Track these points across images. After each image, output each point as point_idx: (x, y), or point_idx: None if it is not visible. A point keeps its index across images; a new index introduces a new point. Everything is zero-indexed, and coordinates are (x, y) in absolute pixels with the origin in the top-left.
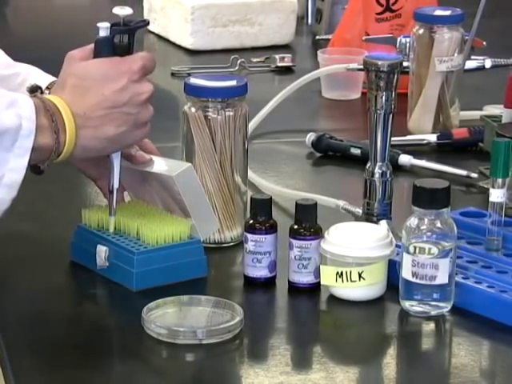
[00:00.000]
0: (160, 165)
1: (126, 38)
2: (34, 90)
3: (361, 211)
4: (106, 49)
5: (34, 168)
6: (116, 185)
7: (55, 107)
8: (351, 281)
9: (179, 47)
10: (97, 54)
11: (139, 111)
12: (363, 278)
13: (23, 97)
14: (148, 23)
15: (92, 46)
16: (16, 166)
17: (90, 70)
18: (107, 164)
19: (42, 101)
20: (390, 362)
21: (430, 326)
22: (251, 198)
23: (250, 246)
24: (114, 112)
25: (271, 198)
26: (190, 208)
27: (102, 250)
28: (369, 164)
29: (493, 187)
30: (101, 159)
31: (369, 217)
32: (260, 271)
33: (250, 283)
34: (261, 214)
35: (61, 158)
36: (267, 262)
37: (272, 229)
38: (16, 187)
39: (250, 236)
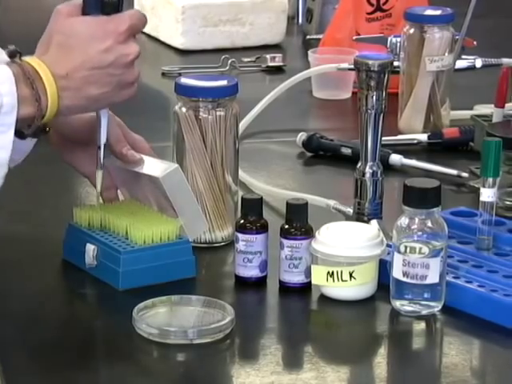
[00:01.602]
0: (149, 165)
1: None
2: (13, 55)
3: (352, 211)
4: (94, 6)
5: (17, 133)
6: (103, 141)
7: (35, 73)
8: (342, 280)
9: (170, 47)
10: (84, 10)
11: (124, 72)
12: (354, 278)
13: (1, 68)
14: None
15: (80, 0)
16: (1, 144)
17: (77, 29)
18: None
19: (21, 67)
20: (380, 362)
21: (420, 326)
22: (242, 198)
23: (240, 245)
24: (97, 73)
25: (262, 198)
26: (178, 208)
27: (90, 249)
28: (359, 164)
29: (483, 186)
30: (94, 157)
31: (360, 216)
32: (251, 271)
33: (241, 283)
34: (251, 214)
35: (45, 120)
36: (258, 261)
37: (263, 228)
38: (5, 164)
39: (240, 236)
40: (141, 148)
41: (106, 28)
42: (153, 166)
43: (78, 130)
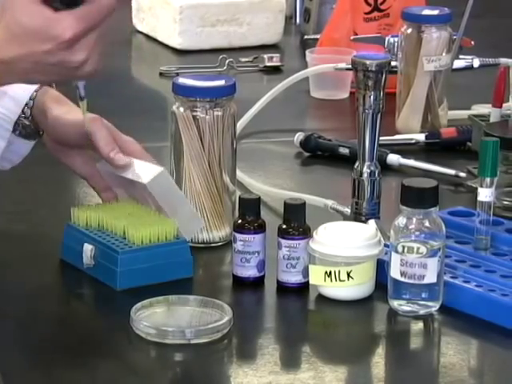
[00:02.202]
0: (136, 169)
1: None
2: None
3: (349, 211)
4: None
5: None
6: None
7: None
8: (340, 280)
9: (167, 47)
10: None
11: (70, 71)
12: (352, 278)
13: None
14: None
15: None
16: None
17: (25, 20)
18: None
19: None
20: (378, 362)
21: (418, 326)
22: (240, 198)
23: (238, 245)
24: (41, 66)
25: (260, 198)
26: (169, 211)
27: (88, 249)
28: (357, 163)
29: (481, 186)
30: (91, 159)
31: (357, 216)
32: (248, 271)
33: (239, 283)
34: (249, 214)
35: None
36: (256, 261)
37: (260, 228)
38: None
39: (238, 236)
40: (132, 150)
41: (50, 32)
42: (140, 171)
43: (70, 135)
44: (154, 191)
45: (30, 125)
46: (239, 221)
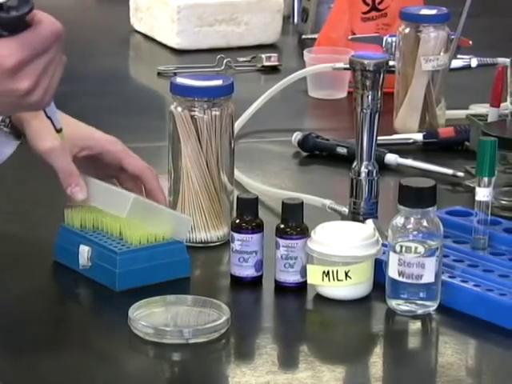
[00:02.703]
0: (108, 201)
1: (15, 11)
2: None
3: (347, 210)
4: None
5: None
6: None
7: None
8: (338, 280)
9: (165, 47)
10: None
11: (16, 101)
12: (350, 277)
13: None
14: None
15: None
16: None
17: None
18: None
19: None
20: (376, 361)
21: (416, 325)
22: (237, 198)
23: (236, 245)
24: None
25: (257, 198)
26: (154, 226)
27: (84, 250)
28: (355, 163)
29: (479, 186)
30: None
31: (355, 216)
32: (246, 270)
33: (237, 282)
34: (247, 214)
35: None
36: (254, 261)
37: (258, 228)
38: None
39: (236, 235)
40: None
41: None
42: (113, 203)
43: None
44: (134, 218)
45: (10, 131)
46: (237, 220)
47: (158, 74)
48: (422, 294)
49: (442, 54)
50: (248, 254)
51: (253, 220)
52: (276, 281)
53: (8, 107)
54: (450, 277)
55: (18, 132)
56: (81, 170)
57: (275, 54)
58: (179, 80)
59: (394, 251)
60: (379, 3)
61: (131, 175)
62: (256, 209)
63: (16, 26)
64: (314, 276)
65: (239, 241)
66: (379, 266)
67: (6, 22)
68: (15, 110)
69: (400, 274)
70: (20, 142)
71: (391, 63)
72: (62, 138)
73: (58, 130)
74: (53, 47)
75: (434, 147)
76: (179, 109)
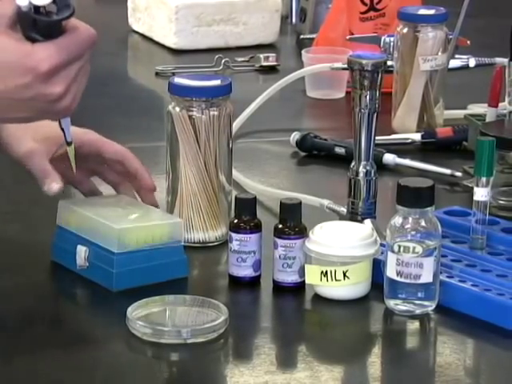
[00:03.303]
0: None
1: (56, 15)
2: None
3: (345, 210)
4: (25, 23)
5: None
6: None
7: None
8: (336, 280)
9: (163, 47)
10: (19, 23)
11: (48, 105)
12: (348, 277)
13: None
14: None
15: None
16: None
17: None
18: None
19: None
20: (374, 361)
21: (414, 325)
22: (236, 198)
23: (234, 245)
24: (15, 103)
25: (256, 198)
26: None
27: (81, 250)
28: (353, 163)
29: (477, 186)
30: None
31: (353, 216)
32: (245, 270)
33: (235, 282)
34: (245, 214)
35: None
36: (252, 261)
37: (257, 228)
38: None
39: (234, 235)
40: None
41: (26, 63)
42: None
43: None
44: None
45: None
46: (235, 220)
47: (156, 74)
48: (420, 294)
49: (440, 53)
50: (246, 253)
51: (251, 220)
52: (274, 281)
53: (36, 112)
54: (448, 277)
55: None
56: (61, 171)
57: (273, 54)
58: (177, 80)
59: (392, 251)
60: (377, 3)
61: (112, 163)
62: (254, 209)
63: (53, 30)
64: (312, 276)
65: (237, 241)
66: (377, 266)
67: (44, 26)
68: (42, 116)
69: (398, 273)
70: None
71: (389, 63)
72: (72, 151)
73: (69, 143)
74: (86, 54)
75: (432, 147)
76: (177, 109)
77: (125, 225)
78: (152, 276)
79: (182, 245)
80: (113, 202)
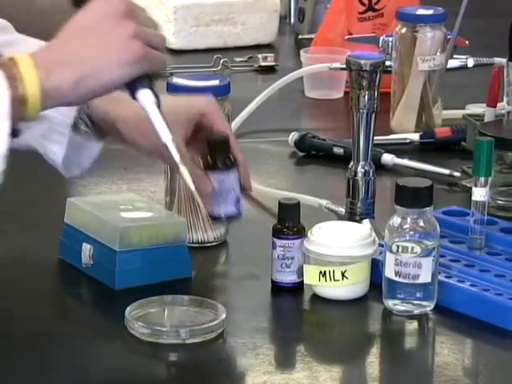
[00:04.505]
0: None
1: None
2: None
3: (344, 210)
4: None
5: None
6: (167, 137)
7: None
8: (334, 280)
9: None
10: None
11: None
12: (346, 277)
13: None
14: None
15: None
16: None
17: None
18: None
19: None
20: (373, 361)
21: (413, 325)
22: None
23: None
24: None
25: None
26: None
27: (86, 248)
28: (352, 163)
29: (475, 186)
30: (148, 132)
31: (352, 216)
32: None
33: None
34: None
35: (31, 104)
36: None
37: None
38: (2, 159)
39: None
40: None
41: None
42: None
43: (142, 144)
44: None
45: (92, 129)
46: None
47: None
48: (418, 294)
49: (438, 54)
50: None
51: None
52: (272, 281)
53: (116, 52)
54: (446, 277)
55: (101, 132)
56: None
57: (272, 54)
58: (176, 80)
59: (391, 251)
60: (376, 3)
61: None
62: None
63: None
64: (310, 276)
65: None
66: (376, 266)
67: None
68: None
69: (397, 273)
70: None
71: (388, 63)
72: (186, 170)
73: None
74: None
75: (430, 147)
76: None
77: (128, 223)
78: (155, 275)
79: (186, 245)
80: (120, 201)
